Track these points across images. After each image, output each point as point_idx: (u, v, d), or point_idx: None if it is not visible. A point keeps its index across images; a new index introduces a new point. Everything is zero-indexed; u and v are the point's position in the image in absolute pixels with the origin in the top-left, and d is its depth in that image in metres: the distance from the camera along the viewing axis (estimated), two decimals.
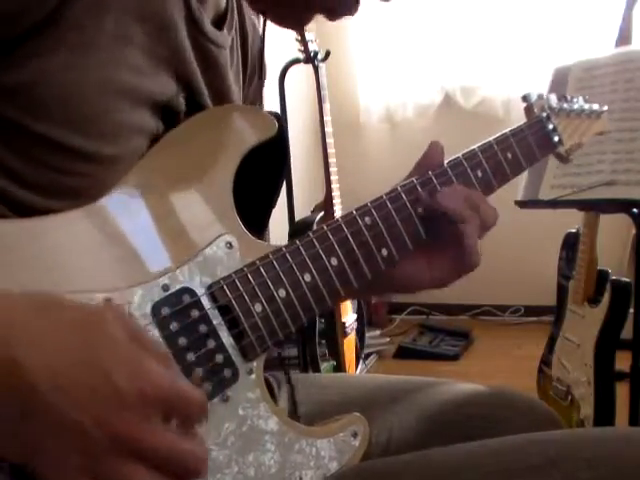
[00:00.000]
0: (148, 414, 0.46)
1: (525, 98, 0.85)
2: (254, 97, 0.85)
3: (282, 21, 0.75)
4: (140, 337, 0.48)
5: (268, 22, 0.76)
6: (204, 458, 0.49)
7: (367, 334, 2.64)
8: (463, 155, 0.75)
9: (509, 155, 0.78)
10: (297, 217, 2.43)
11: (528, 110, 0.85)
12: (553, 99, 0.86)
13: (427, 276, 0.75)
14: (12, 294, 0.46)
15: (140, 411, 0.45)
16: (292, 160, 2.19)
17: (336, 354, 2.35)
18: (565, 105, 0.87)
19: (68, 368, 0.44)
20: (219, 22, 0.72)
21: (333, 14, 0.72)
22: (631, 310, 1.65)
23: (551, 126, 0.84)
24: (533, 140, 0.81)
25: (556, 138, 0.84)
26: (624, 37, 1.79)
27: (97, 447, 0.44)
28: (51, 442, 0.44)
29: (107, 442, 0.44)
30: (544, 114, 0.84)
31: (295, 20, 0.74)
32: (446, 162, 0.74)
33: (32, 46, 0.54)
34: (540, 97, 0.86)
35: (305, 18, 0.73)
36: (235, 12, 0.76)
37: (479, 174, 0.76)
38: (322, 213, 2.37)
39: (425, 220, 0.72)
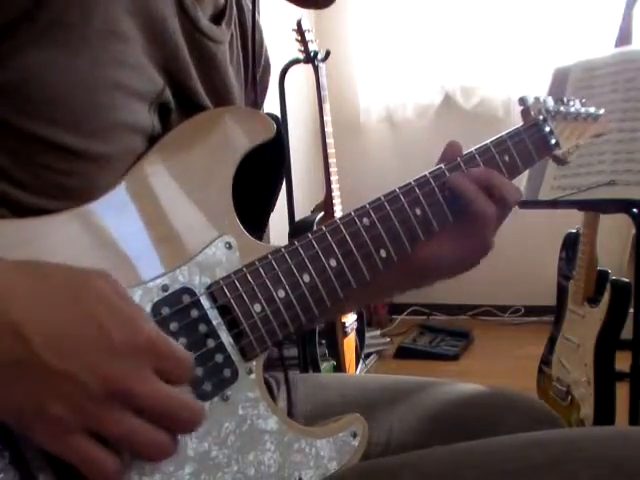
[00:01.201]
0: (139, 364, 0.48)
1: (522, 101, 0.85)
2: (258, 92, 0.84)
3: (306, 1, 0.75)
4: (128, 297, 0.51)
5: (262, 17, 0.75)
6: (197, 410, 0.51)
7: (367, 334, 2.64)
8: (461, 158, 0.76)
9: (506, 158, 0.78)
10: (297, 217, 2.43)
11: (525, 113, 0.85)
12: (550, 102, 0.86)
13: (450, 259, 0.75)
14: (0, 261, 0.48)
15: (132, 360, 0.47)
16: (292, 160, 2.19)
17: (336, 354, 2.35)
18: (562, 108, 0.87)
19: (61, 322, 0.46)
20: (218, 17, 0.72)
21: None
22: (631, 310, 1.65)
23: (548, 129, 0.84)
24: (530, 143, 0.81)
25: (553, 141, 0.84)
26: (624, 37, 1.80)
27: (89, 396, 0.46)
28: (47, 398, 0.45)
29: (99, 389, 0.46)
30: (541, 117, 0.84)
31: None
32: (444, 164, 0.74)
33: (14, 45, 0.53)
34: (537, 100, 0.86)
35: None
36: (234, 7, 0.76)
37: None
38: (322, 213, 2.37)
39: (424, 222, 0.72)
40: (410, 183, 0.72)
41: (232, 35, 0.74)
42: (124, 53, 0.59)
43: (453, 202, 0.73)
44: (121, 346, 0.47)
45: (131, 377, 0.47)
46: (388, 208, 0.70)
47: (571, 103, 0.90)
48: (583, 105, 0.92)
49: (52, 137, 0.56)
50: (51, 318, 0.46)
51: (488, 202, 0.73)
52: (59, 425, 0.46)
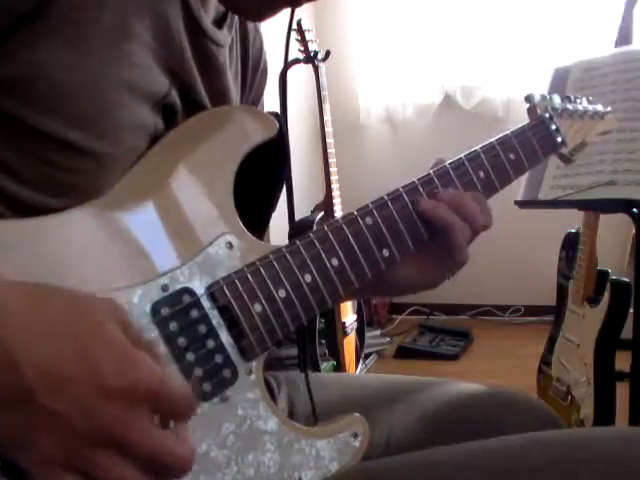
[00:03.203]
0: (134, 408, 0.45)
1: (528, 99, 0.85)
2: (254, 98, 0.85)
3: (241, 12, 0.72)
4: (131, 330, 0.48)
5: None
6: (188, 458, 0.48)
7: (367, 334, 2.64)
8: (465, 156, 0.75)
9: (511, 156, 0.78)
10: (297, 217, 2.43)
11: (531, 111, 0.84)
12: (556, 100, 0.86)
13: (418, 276, 0.75)
14: (1, 284, 0.46)
15: (126, 404, 0.45)
16: (292, 160, 2.19)
17: (336, 354, 2.35)
18: (568, 106, 0.87)
19: (57, 359, 0.44)
20: (220, 21, 0.72)
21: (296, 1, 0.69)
22: (631, 310, 1.65)
23: (554, 127, 0.83)
24: (536, 141, 0.80)
25: (559, 139, 0.84)
26: (624, 37, 1.79)
27: (79, 438, 0.44)
28: (35, 433, 0.44)
29: (90, 433, 0.44)
30: (547, 115, 0.83)
31: (256, 12, 0.70)
32: (448, 163, 0.74)
33: (24, 39, 0.53)
34: (543, 98, 0.85)
35: (268, 12, 0.69)
36: None
37: (481, 175, 0.75)
38: (322, 213, 2.37)
39: (426, 221, 0.72)
40: (414, 182, 0.72)
41: (232, 39, 0.74)
42: (132, 52, 0.59)
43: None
44: (114, 388, 0.45)
45: (121, 422, 0.45)
46: (391, 207, 0.70)
47: (578, 101, 0.89)
48: (590, 103, 0.91)
49: (58, 133, 0.56)
50: (46, 351, 0.44)
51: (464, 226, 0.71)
52: (45, 458, 0.44)
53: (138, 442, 0.45)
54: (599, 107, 0.92)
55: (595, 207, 1.69)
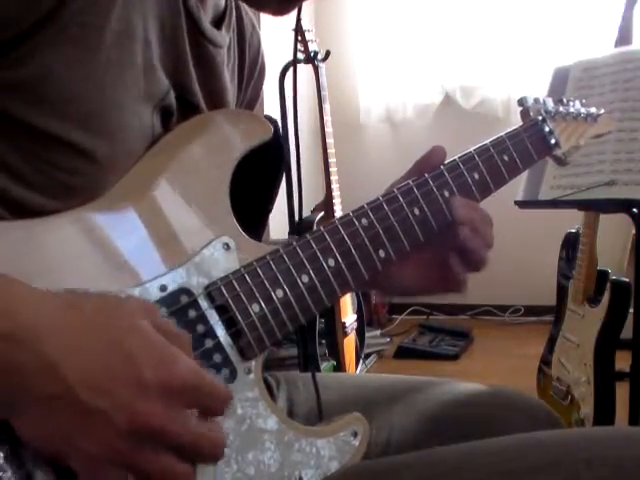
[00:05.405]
0: (172, 403, 0.47)
1: (521, 102, 0.85)
2: (251, 97, 0.85)
3: (262, 7, 0.73)
4: (165, 327, 0.50)
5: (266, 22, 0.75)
6: (222, 444, 0.50)
7: (367, 334, 2.64)
8: (459, 157, 0.76)
9: (505, 158, 0.78)
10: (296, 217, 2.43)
11: (524, 114, 0.85)
12: (549, 103, 0.87)
13: (420, 279, 0.76)
14: (36, 295, 0.47)
15: (164, 400, 0.47)
16: (292, 160, 2.19)
17: (336, 354, 2.35)
18: (561, 108, 0.87)
19: (94, 357, 0.46)
20: (218, 21, 0.72)
21: None
22: (631, 310, 1.65)
23: (547, 129, 0.84)
24: (529, 143, 0.81)
25: (552, 141, 0.84)
26: (624, 37, 1.79)
27: (118, 433, 0.45)
28: (77, 433, 0.45)
29: (127, 427, 0.45)
30: (540, 117, 0.84)
31: (278, 6, 0.72)
32: (443, 165, 0.75)
33: (33, 45, 0.54)
34: (536, 101, 0.86)
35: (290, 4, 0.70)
36: (233, 11, 0.76)
37: (475, 176, 0.76)
38: (322, 213, 2.37)
39: (423, 222, 0.72)
40: (409, 183, 0.72)
41: (230, 39, 0.75)
42: (136, 54, 0.60)
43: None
44: (152, 385, 0.46)
45: (161, 416, 0.46)
46: (386, 208, 0.70)
47: (571, 103, 0.90)
48: (583, 105, 0.92)
49: (62, 134, 0.56)
50: (82, 350, 0.46)
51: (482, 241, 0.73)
52: (89, 458, 0.46)
53: (174, 432, 0.47)
54: (592, 109, 0.92)
55: (595, 207, 1.69)
